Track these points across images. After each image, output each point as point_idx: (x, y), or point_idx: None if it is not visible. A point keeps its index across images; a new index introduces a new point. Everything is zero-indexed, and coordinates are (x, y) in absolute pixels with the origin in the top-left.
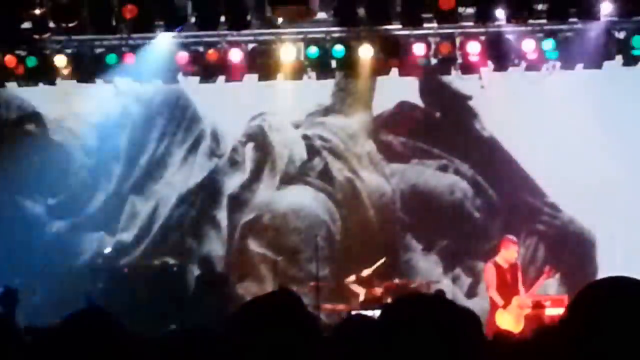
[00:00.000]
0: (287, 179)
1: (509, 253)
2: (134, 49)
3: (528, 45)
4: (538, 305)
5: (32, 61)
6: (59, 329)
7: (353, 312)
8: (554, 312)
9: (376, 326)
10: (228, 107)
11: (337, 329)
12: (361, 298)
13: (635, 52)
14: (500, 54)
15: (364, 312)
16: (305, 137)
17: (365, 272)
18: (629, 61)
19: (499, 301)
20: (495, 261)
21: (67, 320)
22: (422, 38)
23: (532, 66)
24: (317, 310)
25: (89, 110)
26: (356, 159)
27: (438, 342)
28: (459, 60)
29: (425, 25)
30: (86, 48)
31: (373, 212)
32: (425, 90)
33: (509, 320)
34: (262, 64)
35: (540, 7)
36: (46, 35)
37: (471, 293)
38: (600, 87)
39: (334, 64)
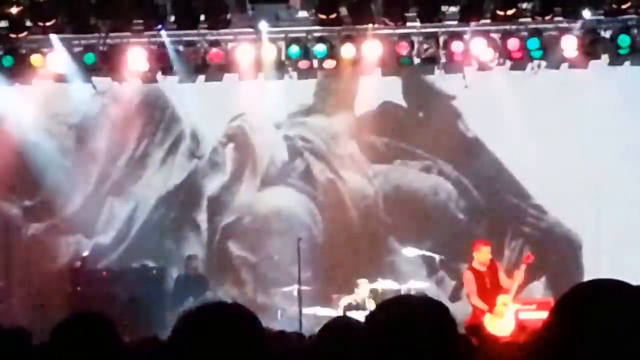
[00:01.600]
0: (268, 181)
1: (482, 255)
2: (112, 48)
3: (513, 44)
4: (525, 304)
5: (8, 60)
6: (55, 334)
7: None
8: (540, 315)
9: (363, 328)
10: (208, 107)
11: (322, 332)
12: (344, 302)
13: (621, 51)
14: (484, 53)
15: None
16: (287, 138)
17: None
18: (615, 60)
19: (483, 306)
20: (472, 267)
21: (64, 324)
22: (406, 37)
23: (516, 65)
24: (299, 314)
25: (66, 111)
26: (338, 160)
27: (424, 345)
28: (443, 60)
29: (409, 24)
30: (64, 47)
31: (355, 214)
32: (408, 90)
33: (499, 323)
34: (242, 63)
35: (525, 5)
36: (23, 35)
37: (455, 296)
38: (586, 86)
39: (315, 63)
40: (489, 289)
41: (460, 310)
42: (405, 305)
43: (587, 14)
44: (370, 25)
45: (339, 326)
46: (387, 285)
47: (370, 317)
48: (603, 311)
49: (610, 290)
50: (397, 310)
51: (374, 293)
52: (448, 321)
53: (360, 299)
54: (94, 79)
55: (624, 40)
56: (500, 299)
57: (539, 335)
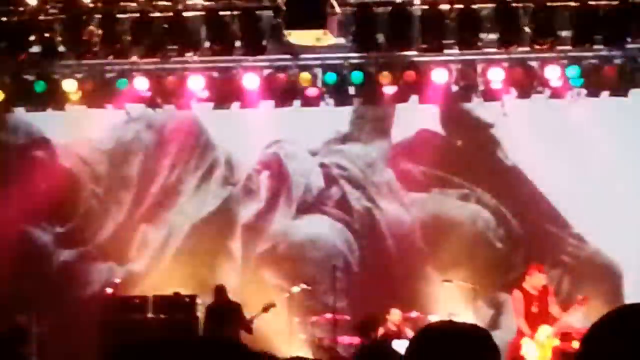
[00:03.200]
0: (304, 208)
1: (534, 280)
2: (146, 73)
3: (552, 72)
4: (566, 338)
5: (40, 86)
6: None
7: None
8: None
9: (403, 356)
10: (243, 134)
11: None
12: (380, 331)
13: None
14: (523, 81)
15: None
16: (323, 165)
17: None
18: None
19: (527, 330)
20: (523, 287)
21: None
22: (443, 64)
23: (556, 93)
24: (334, 342)
25: (99, 136)
26: (375, 188)
27: None
28: (481, 87)
29: (446, 51)
30: (96, 73)
31: (392, 242)
32: (446, 118)
33: (534, 351)
34: (278, 90)
35: (564, 33)
36: (56, 60)
37: (493, 325)
38: (626, 115)
39: (352, 90)
40: (536, 314)
41: (498, 340)
42: (450, 332)
43: (628, 42)
44: (408, 52)
45: (374, 353)
46: (421, 314)
47: (414, 343)
48: (635, 336)
49: None
50: (441, 338)
51: (408, 321)
52: (492, 349)
53: (394, 327)
54: (127, 105)
55: None
56: (543, 329)
57: None
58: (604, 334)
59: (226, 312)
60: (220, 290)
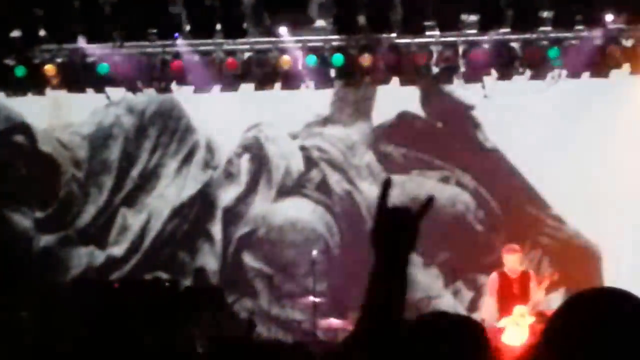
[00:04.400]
0: (284, 192)
1: (509, 261)
2: (127, 57)
3: (533, 53)
4: (541, 318)
5: (21, 70)
6: None
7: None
8: None
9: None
10: (223, 117)
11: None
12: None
13: None
14: (504, 62)
15: None
16: (303, 148)
17: None
18: (637, 69)
19: (494, 310)
20: (502, 271)
21: None
22: (424, 46)
23: (536, 75)
24: (314, 326)
25: (79, 121)
26: (355, 171)
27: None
28: (462, 69)
29: (427, 33)
30: (77, 57)
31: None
32: (426, 100)
33: (512, 332)
34: (258, 73)
35: (545, 14)
36: (36, 44)
37: (473, 307)
38: (607, 96)
39: (333, 73)
40: (516, 295)
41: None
42: (441, 323)
43: (609, 20)
44: (389, 34)
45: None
46: None
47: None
48: (601, 322)
49: (610, 299)
50: (433, 330)
51: None
52: (483, 341)
53: None
54: (108, 89)
55: None
56: (518, 309)
57: (538, 346)
58: (559, 323)
59: (206, 296)
60: (200, 274)
